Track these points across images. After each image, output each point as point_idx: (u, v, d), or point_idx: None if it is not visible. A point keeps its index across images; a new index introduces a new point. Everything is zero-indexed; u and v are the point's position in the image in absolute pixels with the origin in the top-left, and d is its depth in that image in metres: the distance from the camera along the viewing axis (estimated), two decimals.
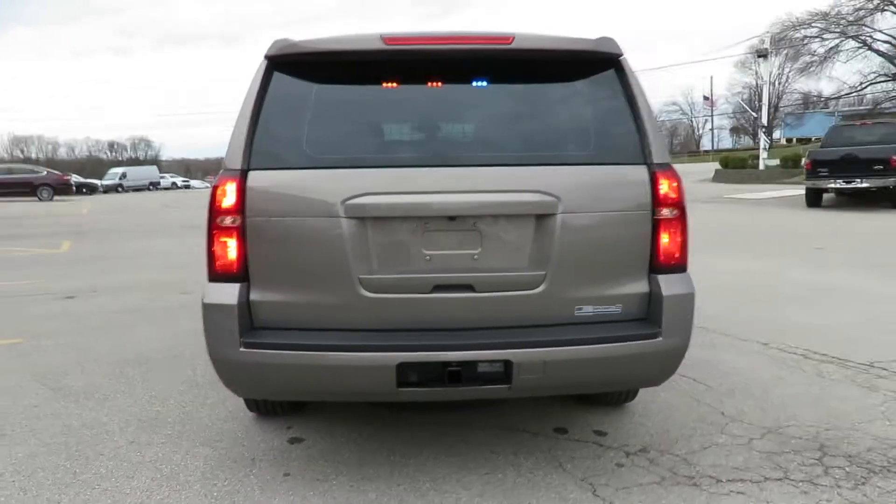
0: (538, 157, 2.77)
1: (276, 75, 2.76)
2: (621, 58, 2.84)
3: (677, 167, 2.83)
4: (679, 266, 2.79)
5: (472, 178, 2.67)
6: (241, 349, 2.58)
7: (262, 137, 2.68)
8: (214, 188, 2.67)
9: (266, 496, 2.81)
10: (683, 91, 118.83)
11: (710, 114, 67.51)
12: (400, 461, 3.13)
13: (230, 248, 2.64)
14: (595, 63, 2.83)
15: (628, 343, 2.67)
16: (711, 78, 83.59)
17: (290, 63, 2.76)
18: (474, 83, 2.83)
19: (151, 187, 49.47)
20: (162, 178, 54.44)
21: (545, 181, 2.68)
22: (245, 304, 2.65)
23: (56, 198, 29.06)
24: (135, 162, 78.49)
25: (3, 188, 27.55)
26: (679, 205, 2.76)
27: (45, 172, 30.13)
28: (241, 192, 2.63)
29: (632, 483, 2.90)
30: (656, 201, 2.73)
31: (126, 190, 46.47)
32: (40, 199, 28.17)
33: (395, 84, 2.82)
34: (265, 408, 3.55)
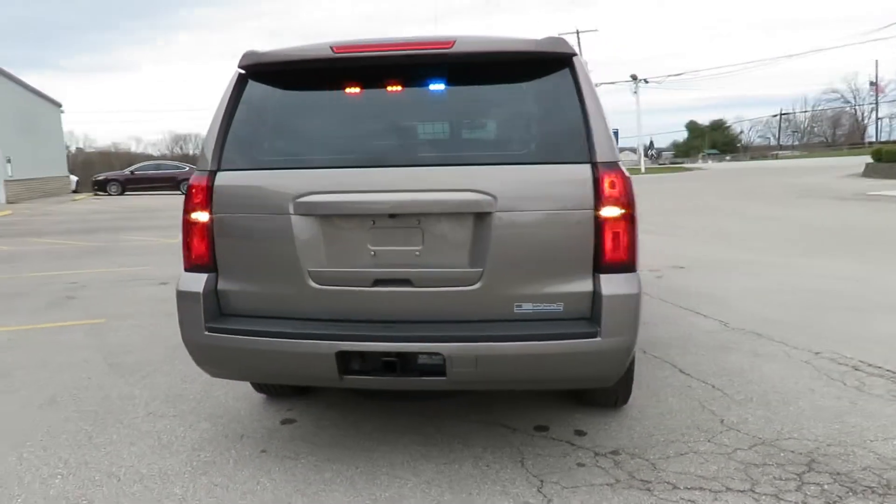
0: (478, 157, 2.83)
1: (249, 84, 3.01)
2: (574, 57, 2.82)
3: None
4: (624, 265, 2.73)
5: (414, 177, 2.77)
6: (206, 333, 2.86)
7: (231, 141, 2.95)
8: (189, 186, 2.97)
9: (237, 469, 3.08)
10: (846, 77, 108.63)
11: (876, 101, 61.24)
12: (371, 446, 3.29)
13: (201, 242, 2.92)
14: (544, 63, 2.82)
15: (564, 341, 2.66)
16: (877, 62, 76.04)
17: (257, 73, 3.00)
18: (418, 87, 2.93)
19: None
20: None
21: (482, 181, 2.72)
22: (212, 293, 2.92)
23: None
24: None
25: (152, 183, 30.54)
26: (624, 204, 2.70)
27: (188, 168, 33.06)
28: (210, 190, 2.90)
29: (582, 483, 2.88)
30: (599, 200, 2.69)
31: None
32: (182, 193, 30.97)
33: (344, 90, 2.98)
34: (269, 390, 3.84)
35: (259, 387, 3.84)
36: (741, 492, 2.78)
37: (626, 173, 2.76)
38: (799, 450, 3.16)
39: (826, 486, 2.80)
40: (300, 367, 2.81)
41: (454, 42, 2.76)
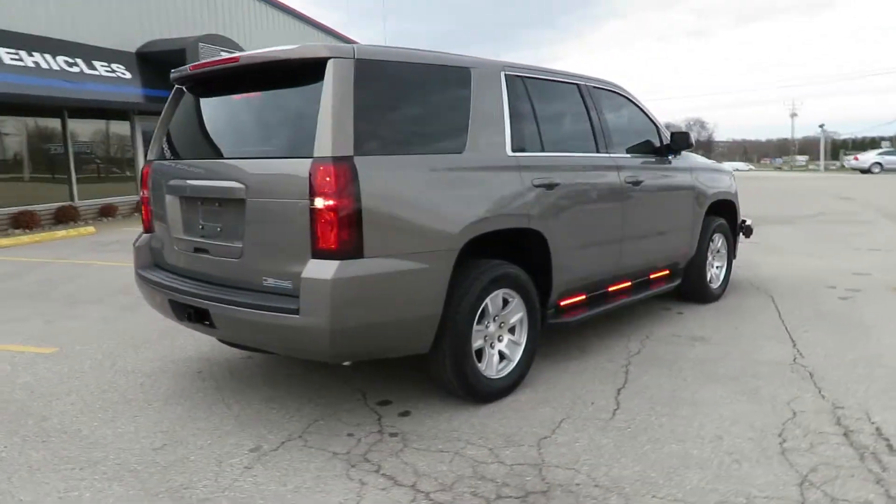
0: (245, 153, 3.36)
1: (176, 93, 4.03)
2: (331, 61, 3.08)
3: None
4: (335, 253, 2.94)
5: (211, 169, 3.47)
6: (136, 272, 4.04)
7: (158, 139, 4.04)
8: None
9: (179, 385, 4.16)
10: None
11: None
12: (236, 399, 3.94)
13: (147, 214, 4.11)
14: (305, 69, 3.14)
15: (273, 314, 3.05)
16: None
17: (177, 85, 4.00)
18: (224, 94, 3.58)
19: None
20: None
21: (241, 172, 3.26)
22: (146, 247, 4.09)
23: None
24: None
25: None
26: (332, 195, 2.91)
27: None
28: (147, 176, 4.05)
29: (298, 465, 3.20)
30: (312, 192, 2.96)
31: None
32: None
33: (195, 99, 3.79)
34: None
35: None
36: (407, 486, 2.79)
37: (352, 168, 2.95)
38: (551, 478, 2.87)
39: (515, 496, 2.60)
40: (161, 308, 3.79)
41: (239, 57, 3.33)
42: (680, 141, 5.20)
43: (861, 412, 3.47)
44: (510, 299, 3.76)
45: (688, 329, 5.12)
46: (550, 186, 3.93)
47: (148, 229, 4.09)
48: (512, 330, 3.83)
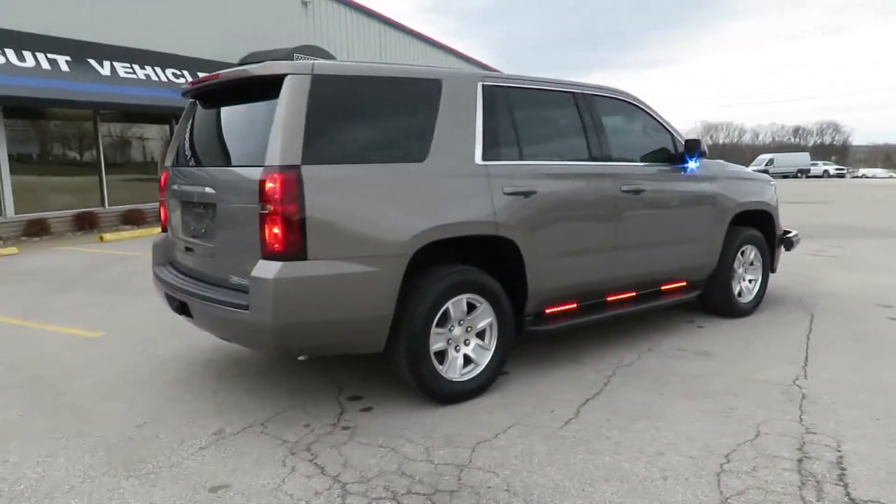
0: (219, 161, 3.65)
1: (189, 105, 4.42)
2: (289, 77, 3.31)
3: None
4: (280, 255, 3.17)
5: (197, 175, 3.82)
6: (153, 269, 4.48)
7: (173, 148, 4.45)
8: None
9: (186, 371, 4.58)
10: None
11: None
12: (225, 387, 4.28)
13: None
14: (270, 84, 3.37)
15: (230, 309, 3.32)
16: None
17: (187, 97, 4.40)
18: (212, 107, 3.89)
19: (800, 174, 48.51)
20: (813, 164, 52.41)
21: (214, 179, 3.57)
22: (159, 245, 4.51)
23: None
24: (820, 148, 77.07)
25: None
26: (278, 201, 3.15)
27: None
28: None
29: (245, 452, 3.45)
30: (261, 197, 3.21)
31: (773, 177, 46.97)
32: None
33: (197, 110, 4.15)
34: None
35: None
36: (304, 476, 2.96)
37: (298, 177, 3.17)
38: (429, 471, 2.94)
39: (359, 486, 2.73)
40: (163, 301, 4.19)
41: (220, 74, 3.64)
42: (692, 148, 5.03)
43: (833, 439, 3.27)
44: (477, 304, 3.84)
45: (696, 343, 4.95)
46: (527, 195, 3.98)
47: (164, 229, 4.53)
48: (482, 335, 3.91)
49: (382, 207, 3.44)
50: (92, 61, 13.94)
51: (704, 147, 5.08)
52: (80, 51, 13.85)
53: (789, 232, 6.34)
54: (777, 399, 3.81)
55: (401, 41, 24.48)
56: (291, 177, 3.18)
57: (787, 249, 6.15)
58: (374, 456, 3.18)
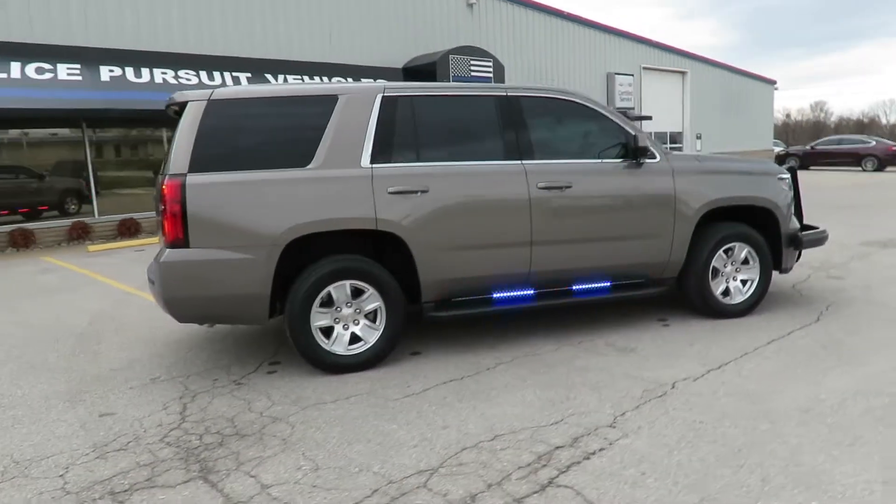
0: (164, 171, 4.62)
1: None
2: (189, 102, 4.21)
3: None
4: (171, 244, 4.11)
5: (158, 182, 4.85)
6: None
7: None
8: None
9: (197, 338, 5.78)
10: None
11: None
12: (205, 350, 5.33)
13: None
14: (185, 108, 4.27)
15: (152, 284, 4.33)
16: None
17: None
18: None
19: None
20: None
21: (157, 187, 4.56)
22: None
23: (888, 168, 28.33)
24: None
25: (831, 158, 29.03)
26: (168, 202, 4.06)
27: (874, 143, 29.61)
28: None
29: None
30: (161, 200, 4.15)
31: None
32: (863, 170, 28.25)
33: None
34: None
35: None
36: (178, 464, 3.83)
37: (183, 183, 4.05)
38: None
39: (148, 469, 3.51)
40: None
41: (171, 98, 4.63)
42: (640, 144, 4.97)
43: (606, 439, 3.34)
44: (365, 290, 4.42)
45: (636, 340, 4.92)
46: (417, 193, 4.44)
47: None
48: (372, 317, 4.48)
49: (259, 206, 4.19)
50: (281, 76, 16.35)
51: (649, 143, 5.00)
52: (260, 67, 16.31)
53: (813, 228, 5.76)
54: (622, 396, 3.85)
55: (574, 33, 24.38)
56: (177, 183, 4.09)
57: (797, 249, 5.58)
58: (228, 405, 3.97)
